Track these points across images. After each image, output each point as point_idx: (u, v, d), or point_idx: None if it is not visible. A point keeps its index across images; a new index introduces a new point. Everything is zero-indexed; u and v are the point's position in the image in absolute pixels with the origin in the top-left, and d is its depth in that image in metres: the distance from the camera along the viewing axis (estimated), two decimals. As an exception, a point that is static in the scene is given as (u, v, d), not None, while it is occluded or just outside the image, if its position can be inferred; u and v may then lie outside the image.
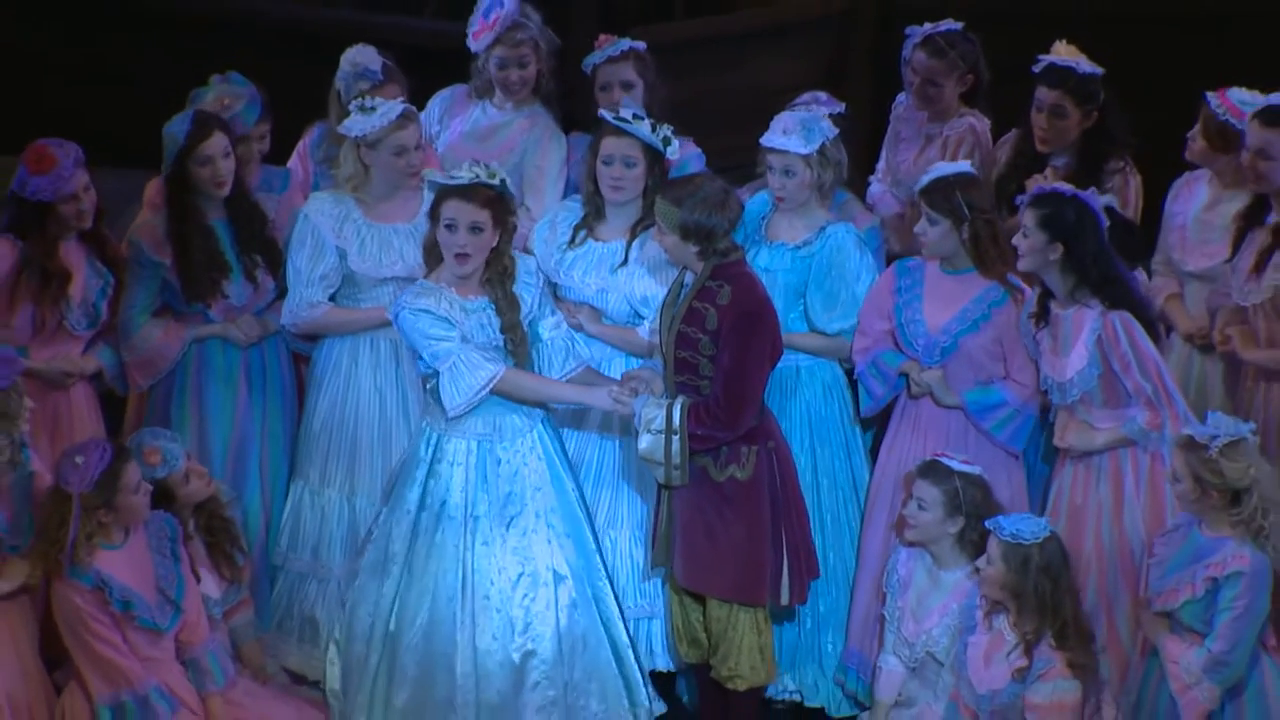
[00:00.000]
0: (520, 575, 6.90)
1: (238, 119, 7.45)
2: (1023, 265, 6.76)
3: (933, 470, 6.81)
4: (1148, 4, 10.63)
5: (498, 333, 6.75)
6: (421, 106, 7.75)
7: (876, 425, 7.37)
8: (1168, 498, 6.64)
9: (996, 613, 6.60)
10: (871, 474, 7.22)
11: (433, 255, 6.82)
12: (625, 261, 7.17)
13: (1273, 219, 6.93)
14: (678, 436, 6.50)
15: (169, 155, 7.17)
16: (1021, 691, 6.45)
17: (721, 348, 6.46)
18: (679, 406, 6.48)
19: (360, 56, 7.65)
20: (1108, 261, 6.67)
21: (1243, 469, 6.10)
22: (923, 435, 7.00)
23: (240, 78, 7.53)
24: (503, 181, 6.69)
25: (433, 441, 6.89)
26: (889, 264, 7.43)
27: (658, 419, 6.50)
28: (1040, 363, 6.84)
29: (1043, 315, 6.78)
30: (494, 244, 6.68)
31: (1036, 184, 7.23)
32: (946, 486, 6.75)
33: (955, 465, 6.79)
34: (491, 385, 6.70)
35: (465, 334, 6.77)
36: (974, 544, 6.76)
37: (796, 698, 7.20)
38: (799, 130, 7.11)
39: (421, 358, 6.77)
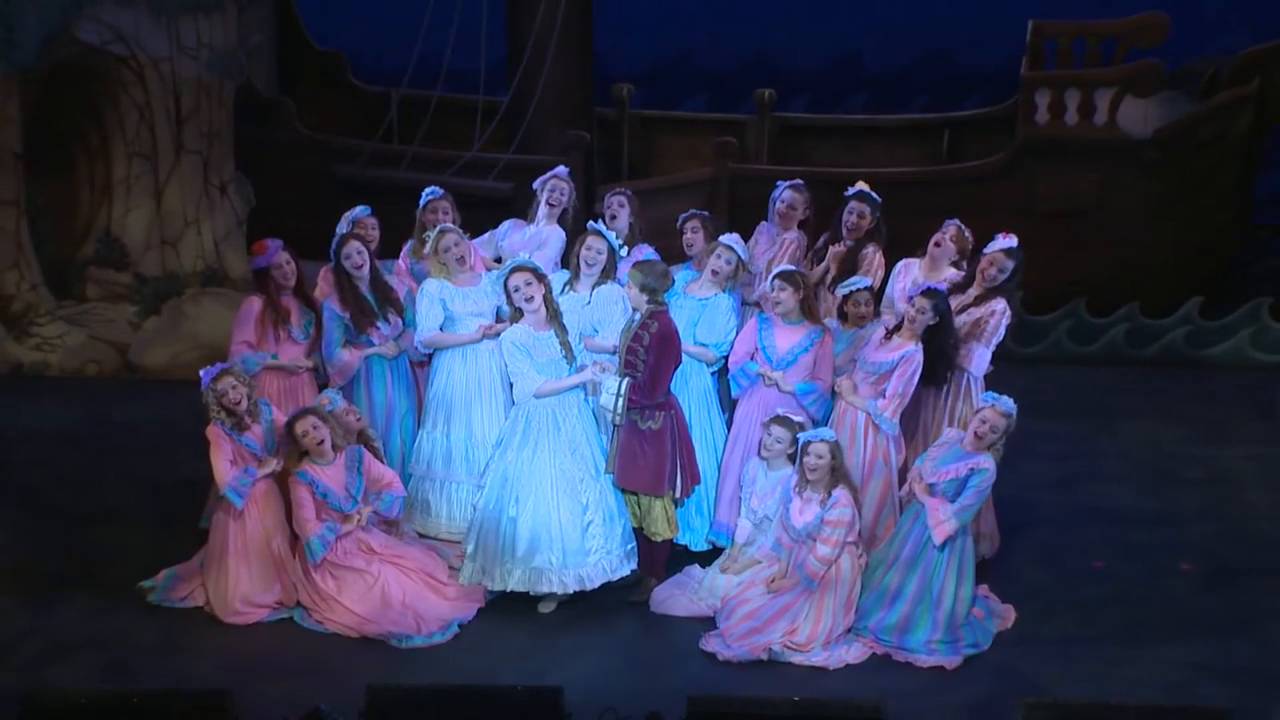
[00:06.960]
0: (582, 477, 8.54)
1: (355, 214, 9.50)
2: (916, 327, 8.57)
3: (785, 421, 8.65)
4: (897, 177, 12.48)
5: (559, 353, 8.47)
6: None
7: (733, 403, 9.18)
8: (884, 443, 8.71)
9: (803, 487, 8.35)
10: (729, 427, 9.13)
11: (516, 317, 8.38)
12: (590, 302, 9.13)
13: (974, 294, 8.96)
14: (622, 398, 8.41)
15: (331, 256, 9.40)
16: (823, 515, 8.18)
17: (649, 355, 8.36)
18: (624, 382, 8.40)
19: (427, 191, 9.82)
20: (953, 338, 8.78)
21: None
22: (761, 407, 8.92)
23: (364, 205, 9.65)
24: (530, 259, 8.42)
25: (524, 410, 8.47)
26: (742, 303, 9.26)
27: (612, 387, 8.42)
28: (876, 350, 8.61)
29: (889, 335, 8.74)
30: (542, 291, 8.51)
31: (832, 252, 9.34)
32: (793, 429, 8.60)
33: (795, 417, 8.70)
34: (534, 392, 8.33)
35: (538, 353, 8.26)
36: (790, 457, 8.59)
37: (684, 543, 9.22)
38: (743, 248, 9.13)
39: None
